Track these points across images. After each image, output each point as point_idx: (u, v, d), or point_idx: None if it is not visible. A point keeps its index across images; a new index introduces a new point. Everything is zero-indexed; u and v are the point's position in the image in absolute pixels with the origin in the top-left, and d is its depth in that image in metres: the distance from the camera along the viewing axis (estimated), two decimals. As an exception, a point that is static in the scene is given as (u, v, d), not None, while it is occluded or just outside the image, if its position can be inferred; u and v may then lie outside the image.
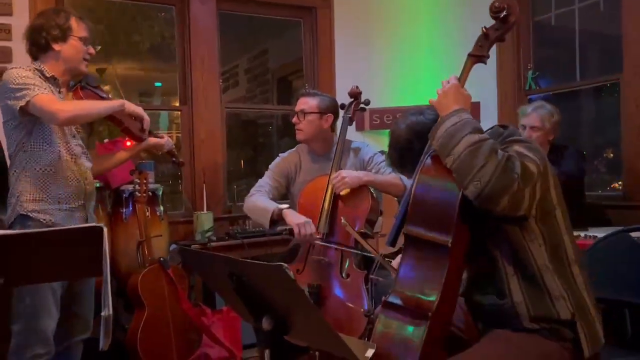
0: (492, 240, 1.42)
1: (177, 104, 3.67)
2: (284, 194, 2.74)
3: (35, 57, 2.05)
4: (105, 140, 3.14)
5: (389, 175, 2.45)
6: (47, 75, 2.00)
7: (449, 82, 1.51)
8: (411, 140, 1.58)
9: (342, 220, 1.97)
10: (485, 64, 1.56)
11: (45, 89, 1.91)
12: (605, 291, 1.63)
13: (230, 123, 3.86)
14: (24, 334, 1.89)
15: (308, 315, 1.23)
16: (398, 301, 1.42)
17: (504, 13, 1.51)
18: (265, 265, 1.19)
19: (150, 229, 2.79)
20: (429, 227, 1.39)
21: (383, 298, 1.45)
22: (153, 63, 5.13)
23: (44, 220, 1.94)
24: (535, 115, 2.85)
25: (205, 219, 3.23)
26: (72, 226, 1.76)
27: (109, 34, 4.68)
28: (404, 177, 2.46)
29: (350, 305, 2.19)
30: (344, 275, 2.25)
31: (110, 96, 2.20)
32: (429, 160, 1.46)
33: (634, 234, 1.92)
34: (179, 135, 3.77)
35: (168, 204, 3.58)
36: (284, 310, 1.28)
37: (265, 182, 2.61)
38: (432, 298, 1.36)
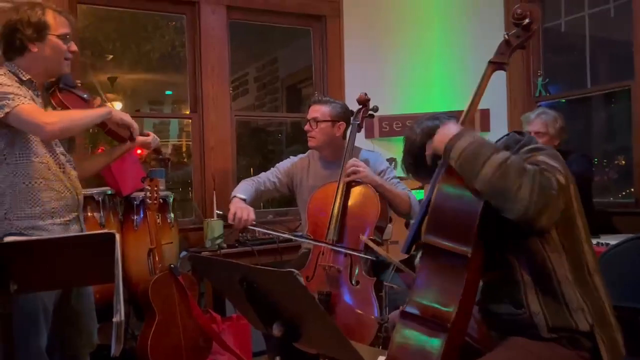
0: (511, 249, 1.41)
1: (187, 112, 3.70)
2: (284, 194, 2.78)
3: (9, 58, 1.85)
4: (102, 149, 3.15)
5: (400, 189, 2.47)
6: (23, 79, 1.83)
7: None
8: (425, 145, 1.56)
9: (362, 237, 1.96)
10: (506, 71, 1.55)
11: (25, 97, 1.74)
12: (618, 299, 1.61)
13: (240, 131, 3.88)
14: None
15: (319, 322, 1.23)
16: (415, 311, 1.40)
17: (527, 20, 1.49)
18: (277, 272, 1.19)
19: (161, 236, 2.81)
20: (449, 236, 1.37)
21: (401, 308, 1.43)
22: (163, 71, 5.18)
23: (40, 236, 1.76)
24: (539, 121, 2.88)
25: (215, 226, 3.24)
26: (85, 233, 1.76)
27: (121, 43, 4.74)
28: (412, 197, 2.49)
29: (360, 312, 2.19)
30: (353, 282, 2.25)
31: (92, 96, 2.04)
32: (448, 169, 1.42)
33: (647, 241, 1.90)
34: (189, 142, 3.80)
35: (178, 211, 3.60)
36: (295, 317, 1.28)
37: (264, 175, 2.69)
38: (451, 309, 1.34)
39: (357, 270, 2.26)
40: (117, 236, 1.34)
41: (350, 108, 2.68)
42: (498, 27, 3.69)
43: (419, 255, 1.76)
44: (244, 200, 2.50)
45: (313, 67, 4.01)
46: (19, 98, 1.71)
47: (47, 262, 1.35)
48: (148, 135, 2.15)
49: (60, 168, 1.86)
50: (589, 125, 3.79)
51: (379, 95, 2.91)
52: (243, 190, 2.57)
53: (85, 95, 1.98)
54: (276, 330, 1.32)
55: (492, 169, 1.30)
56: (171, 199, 3.06)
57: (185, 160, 4.92)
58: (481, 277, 1.45)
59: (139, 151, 2.96)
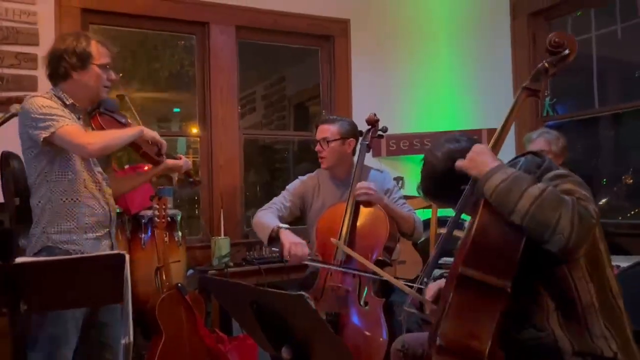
0: (538, 277, 1.40)
1: (195, 130, 3.72)
2: (297, 216, 2.75)
3: (54, 83, 2.01)
4: (126, 166, 3.18)
5: (405, 211, 2.48)
6: (67, 103, 1.97)
7: (476, 147, 1.48)
8: (449, 168, 1.51)
9: (332, 240, 1.96)
10: (539, 98, 1.55)
11: (69, 119, 1.89)
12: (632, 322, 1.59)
13: (248, 149, 3.90)
14: None
15: (329, 346, 1.22)
16: (448, 344, 1.36)
17: (566, 51, 1.47)
18: (287, 295, 1.19)
19: (169, 254, 2.81)
20: (488, 270, 1.34)
21: (437, 341, 1.39)
22: (172, 90, 5.23)
23: (73, 250, 1.89)
24: (541, 140, 2.90)
25: (222, 244, 3.24)
26: (95, 254, 1.77)
27: (130, 62, 4.80)
28: (417, 219, 2.50)
29: (369, 333, 2.17)
30: (362, 303, 2.23)
31: (128, 121, 2.20)
32: (488, 203, 1.39)
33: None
34: (196, 159, 3.81)
35: (186, 229, 3.61)
36: (304, 340, 1.27)
37: (278, 201, 2.64)
38: (485, 343, 1.32)
39: (365, 291, 2.25)
40: (127, 257, 1.34)
41: (359, 128, 2.69)
42: (505, 44, 3.71)
43: (431, 279, 1.74)
44: (289, 229, 2.43)
45: (321, 86, 4.04)
46: (63, 119, 1.85)
47: (57, 283, 1.36)
48: (180, 158, 2.26)
49: (96, 186, 1.99)
50: (597, 146, 3.78)
51: (386, 114, 2.92)
52: (275, 219, 2.50)
53: (123, 120, 2.12)
54: (285, 354, 1.31)
55: (528, 201, 1.29)
56: (179, 217, 3.07)
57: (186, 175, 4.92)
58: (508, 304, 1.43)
59: (145, 168, 2.98)
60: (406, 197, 2.81)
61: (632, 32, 3.18)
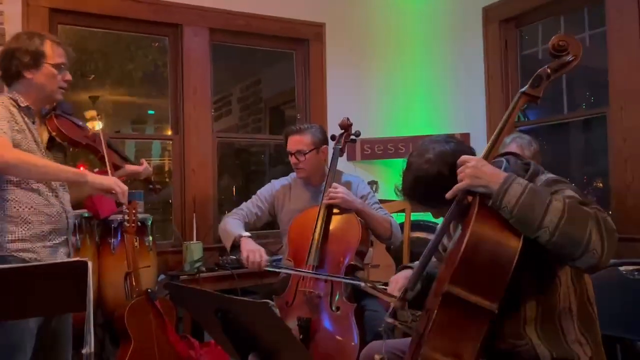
0: (523, 287, 1.37)
1: (169, 132, 3.67)
2: (267, 221, 2.74)
3: (8, 83, 1.92)
4: (96, 170, 3.11)
5: (381, 214, 2.47)
6: (22, 105, 1.88)
7: (469, 161, 1.38)
8: (441, 172, 1.44)
9: (363, 285, 1.90)
10: (537, 104, 1.45)
11: (3, 132, 1.75)
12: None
13: (223, 151, 3.86)
14: None
15: (295, 353, 1.21)
16: None
17: (570, 57, 1.40)
18: (251, 302, 1.17)
19: (139, 259, 2.76)
20: (476, 290, 1.28)
21: (418, 358, 1.33)
22: (146, 91, 5.16)
23: (29, 258, 1.82)
24: (514, 145, 2.92)
25: (194, 249, 3.19)
26: (57, 261, 1.72)
27: (103, 62, 4.71)
28: (394, 222, 2.49)
29: (340, 338, 2.16)
30: (334, 308, 2.22)
31: (82, 123, 2.09)
32: (484, 212, 1.31)
33: (622, 268, 1.91)
34: (171, 160, 3.77)
35: (157, 233, 3.55)
36: (271, 348, 1.26)
37: (245, 207, 2.65)
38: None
39: (337, 296, 2.24)
40: (90, 264, 1.30)
41: (333, 132, 2.69)
42: (477, 50, 3.76)
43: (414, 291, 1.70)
44: (250, 237, 2.43)
45: (296, 90, 4.03)
46: None
47: (15, 291, 1.31)
48: (142, 163, 2.20)
49: (52, 192, 1.90)
50: (568, 150, 3.85)
51: (361, 118, 2.93)
52: (238, 226, 2.50)
53: (80, 123, 2.05)
54: (252, 362, 1.29)
55: (556, 216, 1.23)
56: (150, 222, 3.02)
57: (167, 180, 4.87)
58: None
59: (95, 169, 2.92)
60: (380, 201, 2.81)
61: (600, 40, 3.25)
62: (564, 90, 3.57)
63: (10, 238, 1.81)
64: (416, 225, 3.59)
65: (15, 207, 1.82)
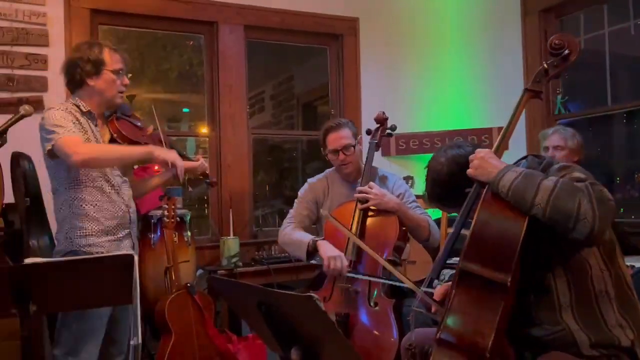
0: (551, 270, 1.41)
1: (204, 129, 3.72)
2: (315, 220, 2.71)
3: (72, 91, 2.10)
4: (135, 167, 3.18)
5: (419, 214, 2.44)
6: (84, 110, 2.04)
7: (480, 152, 1.49)
8: (453, 173, 1.56)
9: (323, 212, 1.90)
10: (541, 99, 1.56)
11: (73, 130, 1.93)
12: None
13: (256, 148, 3.89)
14: (67, 359, 1.91)
15: (339, 348, 1.21)
16: (451, 339, 1.37)
17: (566, 51, 1.50)
18: (295, 296, 1.18)
19: (178, 254, 2.81)
20: (488, 264, 1.35)
21: (438, 335, 1.40)
22: (181, 89, 5.25)
23: (96, 252, 1.95)
24: (557, 136, 2.88)
25: (231, 245, 3.23)
26: (103, 254, 1.77)
27: (140, 62, 4.81)
28: (432, 222, 2.47)
29: (379, 334, 2.15)
30: (372, 303, 2.21)
31: (141, 124, 2.23)
32: (488, 196, 1.42)
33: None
34: (205, 158, 3.81)
35: (195, 228, 3.61)
36: (314, 341, 1.26)
37: (297, 213, 2.61)
38: (488, 338, 1.32)
39: (375, 292, 2.23)
40: (136, 258, 1.33)
41: (367, 126, 2.67)
42: (515, 42, 3.67)
43: (440, 279, 1.73)
44: (325, 240, 2.39)
45: (329, 85, 4.02)
46: (65, 130, 1.90)
47: (66, 284, 1.35)
48: (197, 159, 2.27)
49: (114, 189, 2.05)
50: (610, 144, 3.73)
51: (395, 113, 2.89)
52: (303, 233, 2.48)
53: (139, 124, 2.19)
54: (294, 355, 1.30)
55: (546, 194, 1.31)
56: (188, 217, 3.07)
57: (201, 177, 4.93)
58: (514, 301, 1.43)
59: (156, 167, 2.98)
60: (416, 197, 2.78)
61: (645, 28, 3.13)
62: (607, 81, 3.46)
63: (79, 234, 1.96)
64: (453, 221, 3.54)
65: (82, 205, 1.97)
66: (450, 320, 1.38)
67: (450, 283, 1.70)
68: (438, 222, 3.51)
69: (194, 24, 3.54)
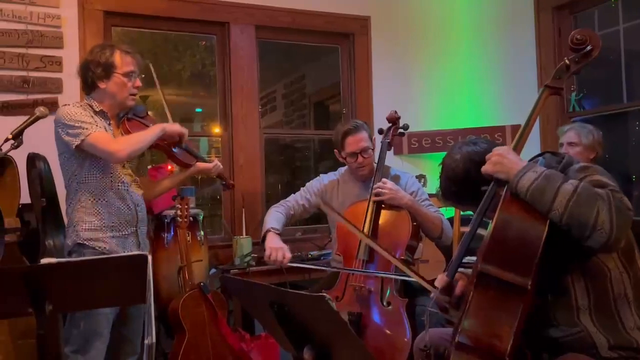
0: (569, 272, 1.40)
1: (217, 129, 3.73)
2: (314, 214, 2.74)
3: (87, 92, 2.16)
4: (149, 167, 3.21)
5: (432, 212, 2.43)
6: (97, 110, 2.09)
7: (497, 149, 1.46)
8: (469, 170, 1.53)
9: (322, 205, 1.90)
10: (561, 96, 1.54)
11: (97, 126, 2.00)
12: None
13: (268, 147, 3.90)
14: (76, 357, 1.95)
15: (351, 348, 1.21)
16: (469, 342, 1.35)
17: (589, 47, 1.47)
18: (308, 296, 1.18)
19: (191, 254, 2.83)
20: (508, 267, 1.32)
21: (456, 339, 1.37)
22: (193, 89, 5.28)
23: (99, 248, 2.01)
24: (572, 132, 2.88)
25: (244, 244, 3.24)
26: (118, 254, 1.79)
27: (152, 63, 4.85)
28: (445, 220, 2.45)
29: (392, 334, 2.15)
30: (385, 303, 2.21)
31: (152, 125, 2.23)
32: (508, 196, 1.39)
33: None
34: (218, 157, 3.84)
35: (208, 227, 3.63)
36: (326, 341, 1.26)
37: (292, 198, 2.65)
38: (506, 341, 1.30)
39: (388, 291, 2.22)
40: (149, 258, 1.34)
41: (379, 125, 2.66)
42: (529, 39, 3.64)
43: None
44: (279, 233, 2.47)
45: (341, 84, 4.02)
46: (91, 126, 1.97)
47: (81, 283, 1.37)
48: (212, 161, 2.32)
49: (123, 186, 2.09)
50: (626, 141, 3.68)
51: (408, 112, 2.88)
52: (276, 219, 2.52)
53: (151, 125, 2.19)
54: (307, 355, 1.30)
55: (565, 198, 1.29)
56: (201, 217, 3.08)
57: (215, 176, 4.96)
58: (533, 303, 1.41)
59: (169, 167, 3.01)
60: (429, 195, 2.77)
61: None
62: (623, 78, 3.41)
63: (85, 227, 2.01)
64: (467, 220, 3.52)
65: (89, 200, 2.03)
66: (467, 323, 1.36)
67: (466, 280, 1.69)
68: (451, 220, 3.48)
69: (206, 25, 3.55)
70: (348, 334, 1.18)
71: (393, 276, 2.18)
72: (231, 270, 3.13)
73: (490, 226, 1.45)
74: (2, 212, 2.20)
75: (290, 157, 5.54)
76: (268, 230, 2.46)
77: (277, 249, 2.36)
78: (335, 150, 2.58)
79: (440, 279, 1.60)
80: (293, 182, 5.53)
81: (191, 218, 2.89)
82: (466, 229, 3.51)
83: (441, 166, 1.63)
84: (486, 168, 1.44)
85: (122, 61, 2.09)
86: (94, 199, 2.04)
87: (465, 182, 1.54)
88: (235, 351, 2.76)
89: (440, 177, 1.63)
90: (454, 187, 1.58)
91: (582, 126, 2.90)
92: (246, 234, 3.34)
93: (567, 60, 1.49)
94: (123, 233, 2.08)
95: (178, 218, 2.78)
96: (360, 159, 2.49)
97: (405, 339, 2.10)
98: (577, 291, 1.39)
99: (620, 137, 3.68)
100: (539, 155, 1.58)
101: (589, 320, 1.37)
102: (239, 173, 3.54)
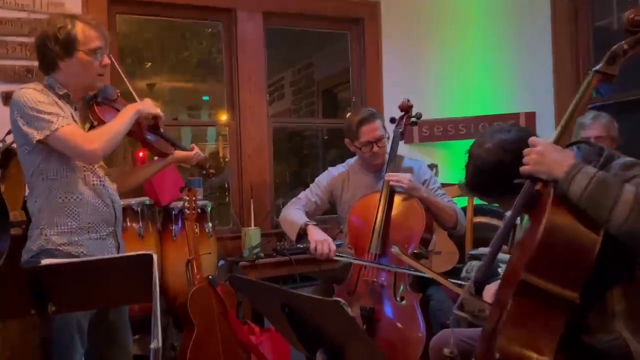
0: (609, 280, 1.31)
1: (224, 117, 3.67)
2: (326, 210, 2.68)
3: (45, 72, 1.81)
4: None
5: (446, 202, 2.36)
6: (60, 93, 1.78)
7: (538, 144, 1.32)
8: (500, 161, 1.40)
9: (393, 248, 1.83)
10: (613, 83, 1.38)
11: (64, 116, 1.71)
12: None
13: (276, 135, 3.83)
14: None
15: (366, 353, 1.15)
16: (503, 356, 1.26)
17: None
18: (321, 300, 1.12)
19: (199, 246, 2.78)
20: (555, 278, 1.23)
21: (496, 356, 1.28)
22: (200, 77, 5.22)
23: (75, 252, 1.74)
24: (597, 125, 2.70)
25: (253, 235, 3.19)
26: (123, 254, 1.71)
27: (159, 50, 4.79)
28: (459, 210, 2.40)
29: (406, 329, 2.10)
30: (398, 298, 2.15)
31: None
32: (557, 199, 1.27)
33: None
34: (227, 145, 3.79)
35: (216, 218, 3.58)
36: (340, 346, 1.20)
37: (304, 196, 2.58)
38: (548, 355, 1.22)
39: (402, 286, 2.17)
40: (155, 257, 1.29)
41: (389, 113, 2.60)
42: (544, 22, 3.52)
43: (467, 271, 1.64)
44: (316, 224, 2.39)
45: (351, 71, 3.93)
46: (58, 119, 1.68)
47: (85, 284, 1.32)
48: (192, 149, 2.11)
49: (99, 181, 1.83)
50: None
51: (419, 99, 2.80)
52: (303, 215, 2.45)
53: (123, 109, 1.88)
54: (320, 358, 1.25)
55: (625, 209, 1.18)
56: (209, 208, 3.04)
57: (223, 165, 4.92)
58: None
59: (140, 154, 2.94)
60: (441, 185, 2.71)
61: (684, 6, 2.96)
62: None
63: (57, 230, 1.74)
64: (479, 210, 3.45)
65: (60, 198, 1.75)
66: (505, 336, 1.26)
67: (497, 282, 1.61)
68: (464, 209, 3.41)
69: (212, 11, 3.47)
70: (363, 340, 1.13)
71: (412, 272, 2.12)
72: (240, 262, 3.09)
73: (526, 223, 1.36)
74: (7, 205, 2.14)
75: (298, 144, 5.48)
76: (306, 224, 2.37)
77: (322, 241, 2.26)
78: (346, 140, 2.50)
79: (489, 292, 1.51)
80: (301, 170, 5.48)
81: (199, 210, 2.84)
82: (481, 219, 3.46)
83: (468, 154, 1.49)
84: (525, 169, 1.32)
85: (85, 35, 1.75)
86: (66, 198, 1.74)
87: (495, 174, 1.41)
88: (245, 344, 2.72)
89: (466, 166, 1.49)
90: (483, 179, 1.45)
91: (603, 116, 2.73)
92: (255, 225, 3.29)
93: (625, 45, 1.34)
94: (101, 234, 1.81)
95: (186, 210, 2.73)
96: (375, 148, 2.41)
97: (420, 334, 2.05)
98: (615, 296, 1.30)
99: (637, 125, 3.57)
100: (573, 144, 1.45)
101: (624, 327, 1.30)
102: (247, 163, 3.48)
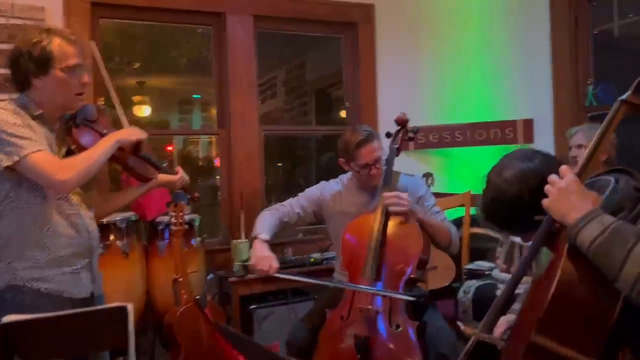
0: (625, 342, 1.18)
1: (214, 113, 3.55)
2: (310, 222, 2.59)
3: (19, 90, 1.68)
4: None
5: (442, 222, 2.28)
6: (34, 114, 1.65)
7: (563, 178, 1.18)
8: (521, 194, 1.27)
9: (462, 327, 1.67)
10: None
11: (38, 141, 1.59)
12: None
13: (268, 138, 3.71)
14: None
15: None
16: None
17: None
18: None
19: (187, 263, 2.67)
20: (569, 342, 1.09)
21: None
22: (191, 76, 5.11)
23: (44, 289, 1.61)
24: (580, 134, 2.74)
25: (242, 248, 3.08)
26: (94, 308, 1.58)
27: (148, 49, 4.67)
28: (454, 230, 2.30)
29: (402, 358, 2.00)
30: (393, 326, 2.05)
31: (107, 131, 1.78)
32: (570, 251, 1.13)
33: None
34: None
35: (205, 228, 3.47)
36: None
37: (288, 204, 2.49)
38: None
39: (397, 313, 2.06)
40: (129, 308, 1.18)
41: (383, 118, 2.50)
42: (542, 27, 3.42)
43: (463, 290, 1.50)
44: (267, 240, 2.29)
45: (344, 76, 3.82)
46: (30, 143, 1.56)
47: (54, 336, 1.21)
48: (177, 172, 2.00)
49: (73, 209, 1.70)
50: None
51: (414, 105, 2.71)
52: (268, 224, 2.35)
53: (105, 131, 1.77)
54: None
55: (636, 269, 1.03)
56: (197, 222, 2.93)
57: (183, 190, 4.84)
58: None
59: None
60: (436, 195, 2.62)
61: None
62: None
63: (26, 265, 1.61)
64: (476, 221, 3.36)
65: (30, 229, 1.62)
66: None
67: (506, 318, 1.51)
68: (460, 220, 3.34)
69: (201, 15, 3.34)
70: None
71: (400, 296, 2.03)
72: (229, 278, 2.99)
73: (545, 264, 1.23)
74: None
75: (290, 147, 5.37)
76: (255, 237, 2.31)
77: (262, 258, 2.20)
78: (341, 160, 2.39)
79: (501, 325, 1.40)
80: (293, 173, 5.38)
81: (187, 225, 2.73)
82: (477, 230, 3.37)
83: (486, 182, 1.36)
84: (546, 202, 1.19)
85: (62, 52, 1.63)
86: (36, 228, 1.61)
87: (515, 208, 1.28)
88: (235, 365, 2.62)
89: (483, 195, 1.36)
90: (501, 211, 1.32)
91: (590, 127, 2.72)
92: (245, 237, 3.18)
93: None
94: (75, 268, 1.67)
95: (172, 226, 2.62)
96: (373, 170, 2.30)
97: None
98: (625, 355, 1.20)
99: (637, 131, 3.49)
100: (613, 171, 1.28)
101: None
102: (238, 172, 3.37)
